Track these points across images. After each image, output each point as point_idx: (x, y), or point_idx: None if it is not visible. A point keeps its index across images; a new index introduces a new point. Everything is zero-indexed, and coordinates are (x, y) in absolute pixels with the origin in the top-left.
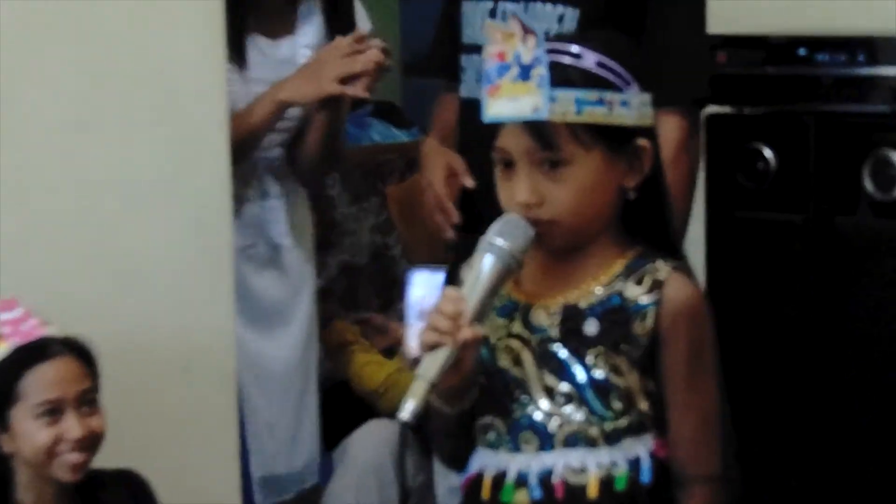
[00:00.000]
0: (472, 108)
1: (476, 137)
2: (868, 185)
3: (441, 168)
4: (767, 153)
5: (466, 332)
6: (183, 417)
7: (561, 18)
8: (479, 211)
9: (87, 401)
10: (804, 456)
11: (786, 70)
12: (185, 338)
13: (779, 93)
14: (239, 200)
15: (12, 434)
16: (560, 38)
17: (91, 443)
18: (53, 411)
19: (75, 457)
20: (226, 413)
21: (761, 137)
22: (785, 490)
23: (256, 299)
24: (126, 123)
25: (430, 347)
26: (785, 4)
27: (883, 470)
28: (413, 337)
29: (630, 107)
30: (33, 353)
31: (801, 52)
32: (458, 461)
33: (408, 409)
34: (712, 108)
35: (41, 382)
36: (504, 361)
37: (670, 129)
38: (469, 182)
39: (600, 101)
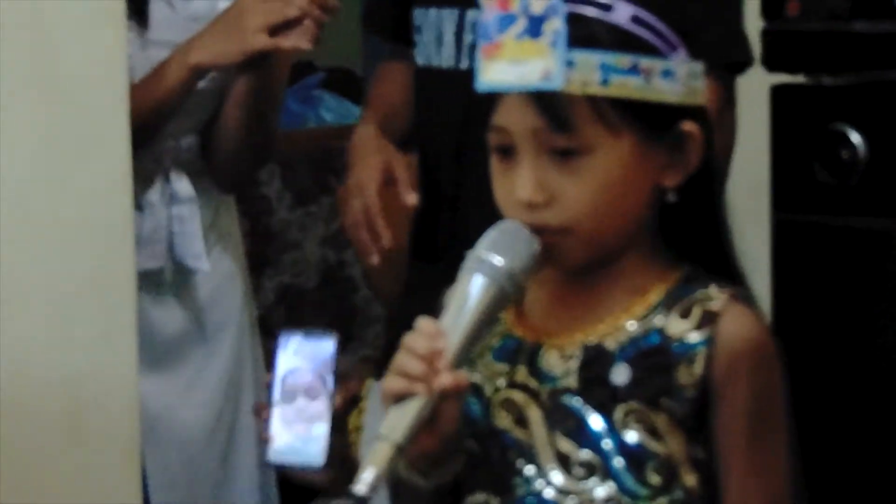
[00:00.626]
0: (431, 80)
1: (439, 123)
2: None
3: (376, 169)
4: (855, 138)
5: (445, 379)
6: (71, 492)
7: None
8: (439, 232)
9: None
10: None
11: (881, 26)
12: (72, 390)
13: (871, 57)
14: (138, 206)
15: None
16: None
17: None
18: None
19: None
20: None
21: (847, 117)
22: None
23: (160, 342)
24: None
25: (398, 398)
26: None
27: None
28: (279, 425)
29: (675, 79)
30: None
31: None
32: None
33: (365, 481)
34: (780, 77)
35: None
36: (503, 420)
37: None
38: (411, 198)
39: (634, 70)
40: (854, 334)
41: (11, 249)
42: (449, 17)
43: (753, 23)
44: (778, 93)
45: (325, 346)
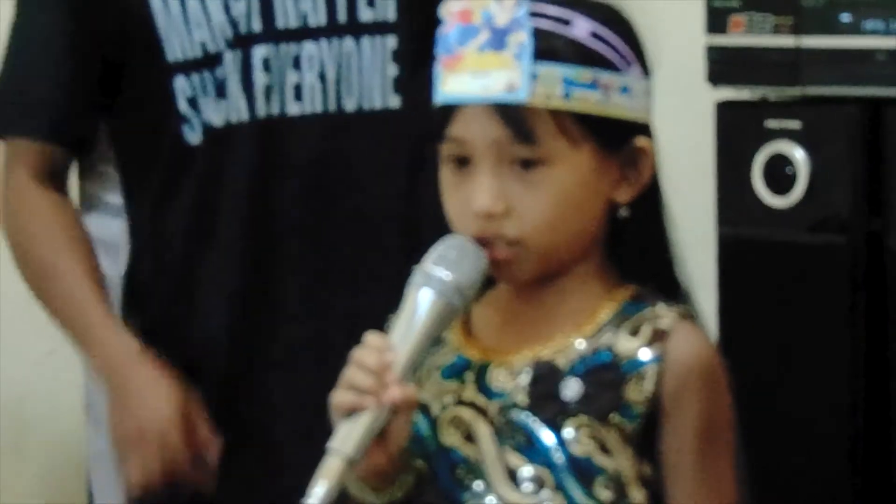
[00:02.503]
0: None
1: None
2: None
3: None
4: (798, 153)
5: (395, 392)
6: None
7: None
8: None
9: None
10: None
11: (825, 42)
12: (17, 395)
13: (814, 72)
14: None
15: None
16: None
17: None
18: None
19: None
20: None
21: (790, 133)
22: None
23: None
24: None
25: (348, 412)
26: None
27: None
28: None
29: (631, 94)
30: None
31: (845, 18)
32: None
33: (316, 495)
34: (724, 93)
35: None
36: (451, 438)
37: None
38: (214, 448)
39: (594, 84)
40: (798, 348)
41: None
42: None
43: (698, 39)
44: (722, 109)
45: None
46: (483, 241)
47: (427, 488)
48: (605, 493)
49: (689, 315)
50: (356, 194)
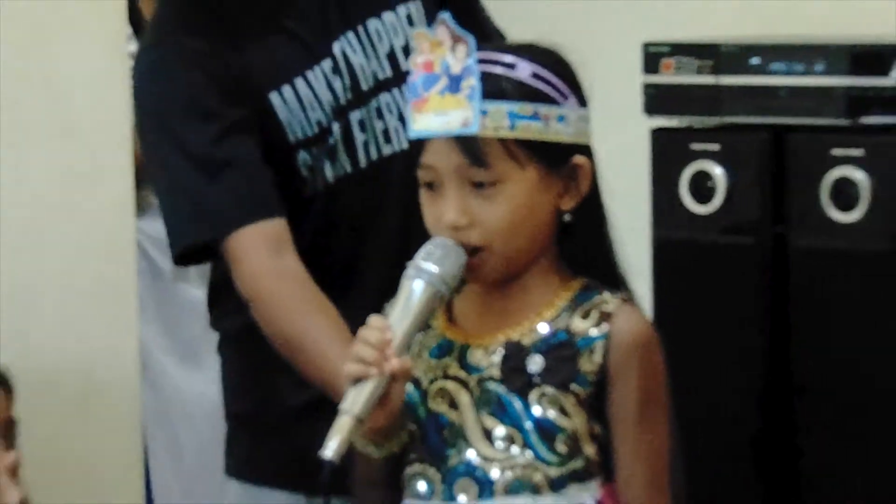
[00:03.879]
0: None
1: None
2: (826, 204)
3: None
4: (717, 170)
5: (394, 363)
6: (81, 456)
7: (409, 19)
8: None
9: (8, 434)
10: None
11: (739, 80)
12: (85, 367)
13: (730, 105)
14: None
15: None
16: (491, 47)
17: (5, 485)
18: None
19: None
20: (129, 453)
21: (711, 154)
22: None
23: (186, 324)
24: (20, 140)
25: (356, 380)
26: (735, 7)
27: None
28: None
29: (567, 122)
30: None
31: (755, 61)
32: None
33: (331, 447)
34: (658, 122)
35: None
36: (438, 405)
37: None
38: None
39: (535, 116)
40: (720, 332)
41: (35, 258)
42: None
43: (637, 78)
44: (656, 134)
45: None
46: None
47: (418, 447)
48: (563, 448)
49: (630, 300)
50: None
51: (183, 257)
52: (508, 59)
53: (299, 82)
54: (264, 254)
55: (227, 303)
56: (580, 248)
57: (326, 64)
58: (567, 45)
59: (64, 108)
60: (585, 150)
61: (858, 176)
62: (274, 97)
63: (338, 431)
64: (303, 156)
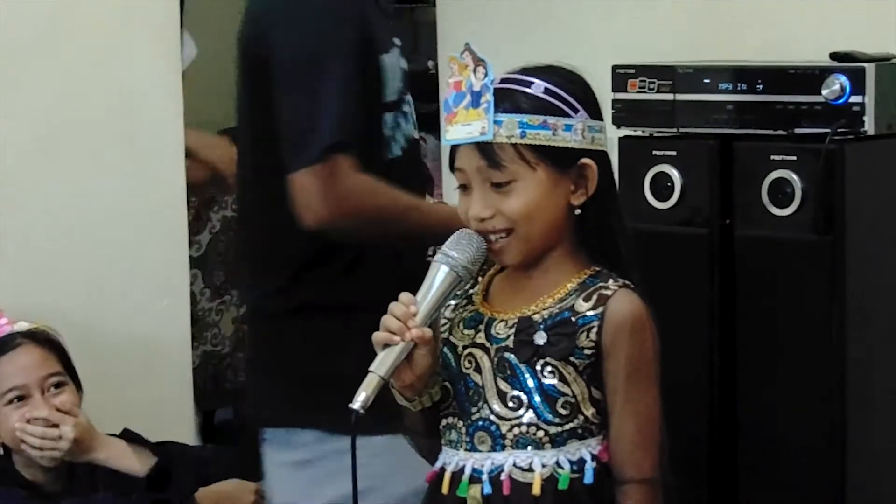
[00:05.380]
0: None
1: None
2: (766, 201)
3: None
4: (674, 173)
5: (414, 332)
6: (143, 411)
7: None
8: None
9: (54, 384)
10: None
11: (692, 97)
12: (145, 339)
13: (686, 118)
14: None
15: None
16: (518, 69)
17: (59, 419)
18: (21, 397)
19: (40, 432)
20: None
21: (669, 159)
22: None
23: None
24: (90, 146)
25: (383, 346)
26: (690, 36)
27: (801, 476)
28: None
29: (574, 130)
30: None
31: (706, 80)
32: (430, 455)
33: (358, 400)
34: (624, 132)
35: (6, 372)
36: (468, 368)
37: (297, 182)
38: None
39: (544, 125)
40: (677, 312)
41: (106, 244)
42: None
43: (607, 95)
44: (623, 142)
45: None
46: (484, 236)
47: (452, 402)
48: (563, 410)
49: (629, 286)
50: None
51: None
52: (527, 78)
53: (389, 54)
54: (356, 172)
55: (313, 279)
56: (592, 239)
57: (395, 49)
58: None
59: (126, 118)
60: (595, 154)
61: (793, 177)
62: (384, 58)
63: (364, 388)
64: (387, 118)
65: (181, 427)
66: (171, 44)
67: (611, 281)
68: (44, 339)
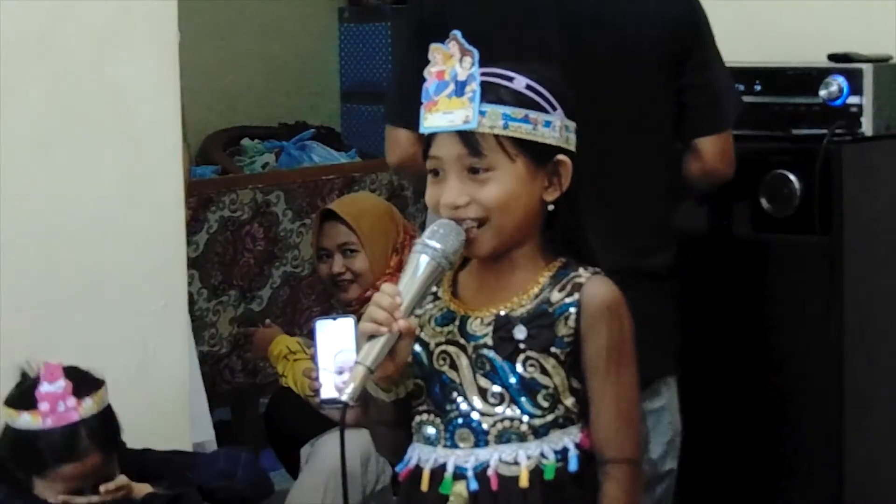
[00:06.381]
0: None
1: None
2: (764, 201)
3: None
4: None
5: (401, 323)
6: (140, 412)
7: None
8: None
9: (104, 478)
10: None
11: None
12: (140, 339)
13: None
14: None
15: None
16: (498, 63)
17: None
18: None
19: None
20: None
21: None
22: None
23: None
24: (88, 146)
25: (369, 337)
26: None
27: (799, 474)
28: (323, 381)
29: (553, 127)
30: (63, 452)
31: None
32: (395, 452)
33: (347, 392)
34: None
35: (65, 476)
36: (441, 365)
37: (724, 140)
38: None
39: (526, 119)
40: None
41: (101, 243)
42: None
43: None
44: None
45: (347, 324)
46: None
47: (425, 398)
48: (544, 402)
49: (599, 272)
50: None
51: None
52: (508, 73)
53: None
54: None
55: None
56: (561, 232)
57: None
58: None
59: (124, 118)
60: (570, 154)
61: (791, 177)
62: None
63: (352, 379)
64: None
65: (178, 428)
66: (169, 44)
67: (581, 269)
68: (107, 442)
